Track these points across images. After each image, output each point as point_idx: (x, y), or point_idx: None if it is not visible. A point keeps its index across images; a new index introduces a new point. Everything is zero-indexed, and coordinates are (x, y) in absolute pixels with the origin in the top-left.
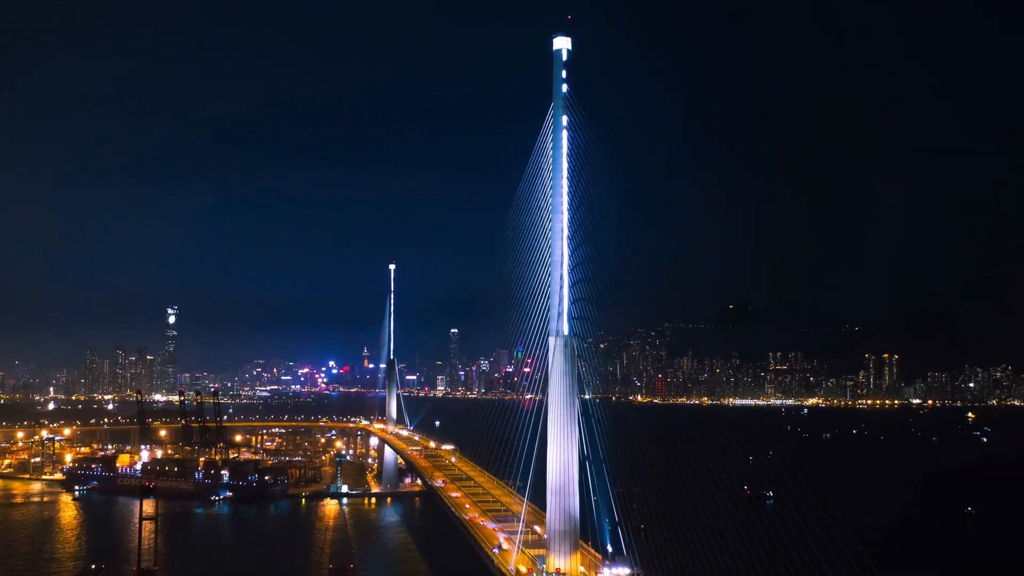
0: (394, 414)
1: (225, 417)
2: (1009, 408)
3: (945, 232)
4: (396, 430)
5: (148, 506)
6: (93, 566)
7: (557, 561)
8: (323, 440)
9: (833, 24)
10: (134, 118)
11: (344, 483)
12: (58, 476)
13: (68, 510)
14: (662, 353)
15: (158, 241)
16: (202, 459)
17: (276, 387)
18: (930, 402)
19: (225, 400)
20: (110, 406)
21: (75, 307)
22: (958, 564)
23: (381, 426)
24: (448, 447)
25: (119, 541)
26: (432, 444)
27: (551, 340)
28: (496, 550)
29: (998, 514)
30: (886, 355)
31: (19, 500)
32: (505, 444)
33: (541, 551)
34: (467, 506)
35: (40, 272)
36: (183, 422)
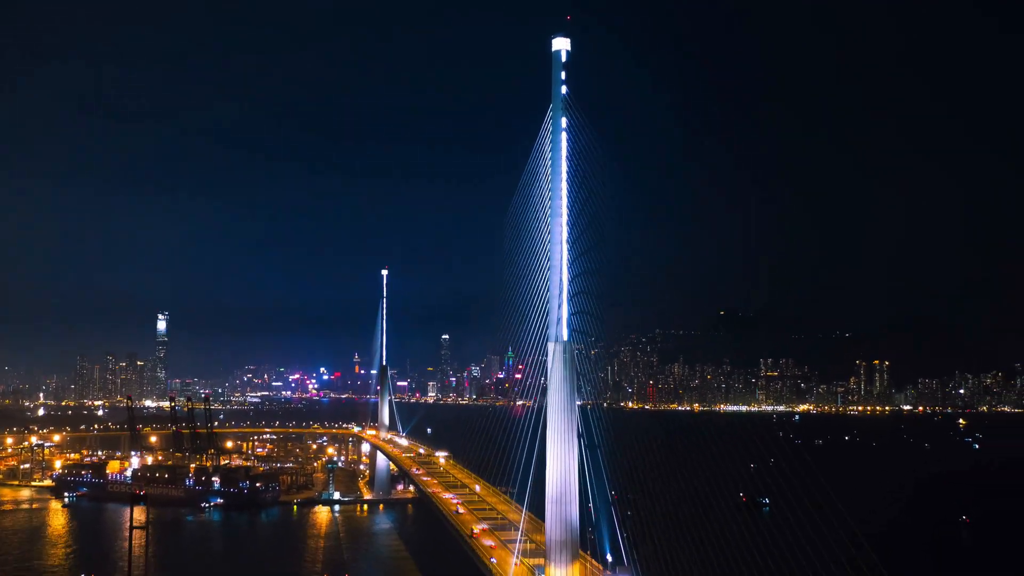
0: (387, 420)
1: (216, 423)
2: (999, 414)
3: (944, 233)
4: (389, 436)
5: (139, 514)
6: (83, 574)
7: (556, 571)
8: (315, 446)
9: (833, 24)
10: (130, 120)
11: (336, 490)
12: (47, 483)
13: (57, 517)
14: (653, 359)
15: (149, 246)
16: (193, 466)
17: (267, 393)
18: (920, 408)
19: (216, 406)
20: (100, 412)
21: (65, 312)
22: (953, 572)
23: (373, 432)
24: (442, 453)
25: (109, 549)
26: (422, 450)
27: (550, 346)
28: (493, 560)
29: (992, 521)
30: (877, 361)
31: (8, 507)
32: (500, 451)
33: (539, 560)
34: (459, 508)
35: (30, 277)
36: (174, 428)
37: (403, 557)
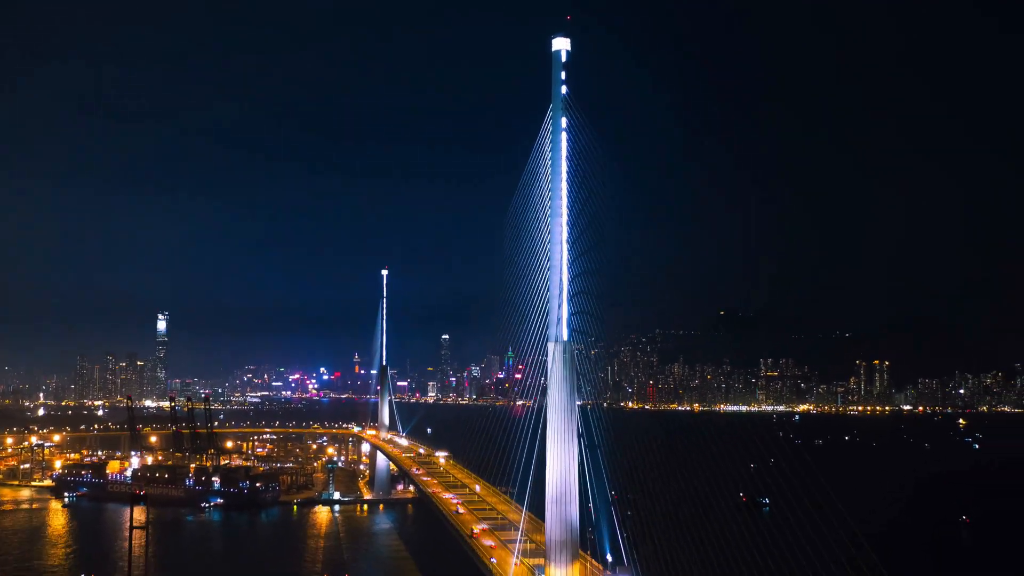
0: (387, 420)
1: (216, 423)
2: (999, 414)
3: (944, 233)
4: (389, 436)
5: (139, 514)
6: (83, 574)
7: (556, 571)
8: (315, 446)
9: (833, 24)
10: (130, 120)
11: (336, 490)
12: (47, 483)
13: (57, 517)
14: (653, 359)
15: (149, 246)
16: (193, 466)
17: (267, 393)
18: (920, 408)
19: (216, 406)
20: (100, 412)
21: (65, 312)
22: (953, 572)
23: (373, 432)
24: (442, 453)
25: (109, 549)
26: (422, 450)
27: (550, 346)
28: (493, 560)
29: (992, 521)
30: (877, 361)
31: (8, 507)
32: (500, 451)
33: (539, 560)
34: (459, 508)
35: (30, 277)
36: (174, 428)
37: (403, 557)
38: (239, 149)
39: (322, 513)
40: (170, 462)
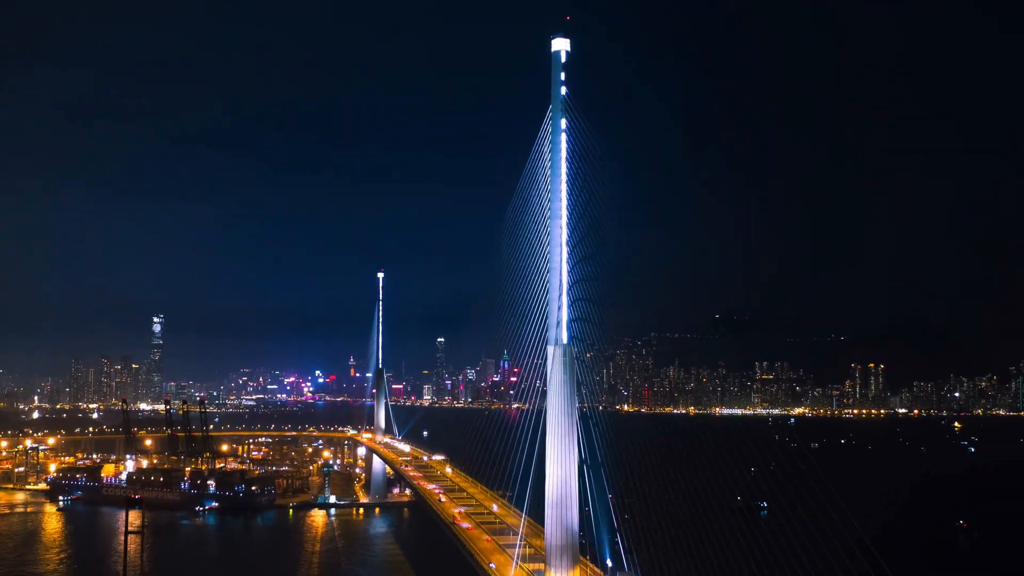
0: (383, 423)
1: (211, 426)
2: (994, 417)
3: (941, 235)
4: (385, 439)
5: (134, 517)
6: None
7: None
8: (310, 450)
9: (833, 24)
10: (129, 121)
11: (332, 493)
12: (42, 486)
13: (52, 521)
14: (648, 363)
15: (145, 248)
16: (188, 469)
17: (262, 396)
18: (916, 411)
19: (211, 409)
20: (95, 415)
21: (61, 315)
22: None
23: (369, 436)
24: (439, 457)
25: (104, 552)
26: (426, 458)
27: (550, 349)
28: (492, 565)
29: (988, 525)
30: (872, 364)
31: (2, 510)
32: (497, 454)
33: (539, 565)
34: (458, 512)
35: (25, 279)
36: (169, 431)
37: (399, 561)
38: (236, 150)
39: (318, 517)
40: (165, 465)
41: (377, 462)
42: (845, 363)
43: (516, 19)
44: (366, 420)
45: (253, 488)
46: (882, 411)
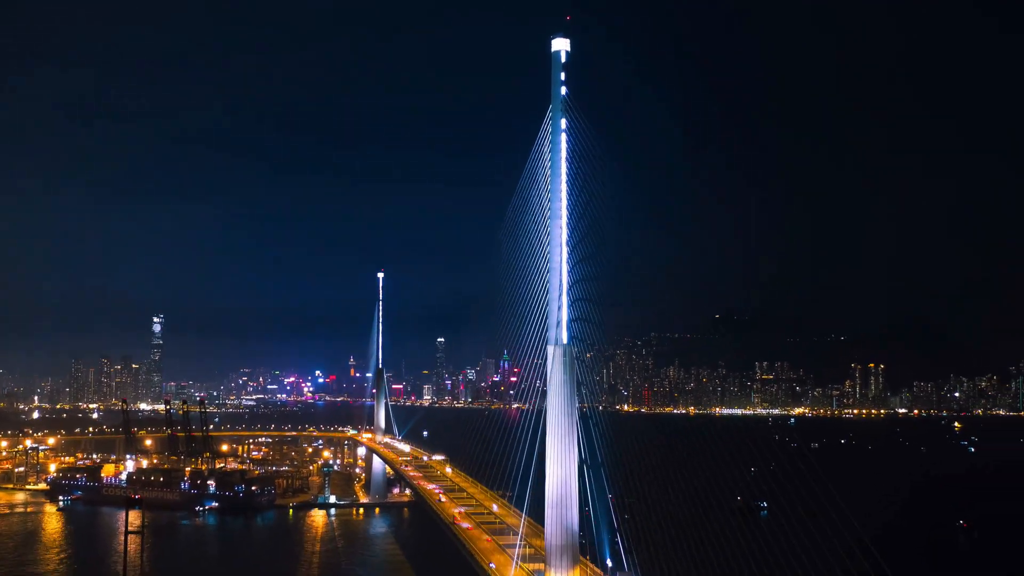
0: (383, 423)
1: (211, 426)
2: (994, 417)
3: (941, 235)
4: (385, 440)
5: (134, 517)
6: None
7: None
8: (310, 450)
9: (833, 24)
10: (129, 121)
11: (332, 493)
12: (42, 486)
13: (52, 521)
14: (648, 363)
15: (145, 248)
16: (188, 469)
17: (262, 396)
18: (916, 411)
19: (211, 409)
20: (95, 415)
21: (61, 315)
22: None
23: (369, 436)
24: (439, 457)
25: (104, 552)
26: (425, 458)
27: (550, 349)
28: (492, 565)
29: (989, 525)
30: (872, 364)
31: (2, 510)
32: (497, 454)
33: (539, 565)
34: (458, 512)
35: (26, 279)
36: (169, 431)
37: (399, 561)
38: (236, 150)
39: (318, 517)
40: (165, 465)
41: (377, 462)
42: (845, 363)
43: (516, 19)
44: (366, 420)
45: (253, 488)
46: (882, 411)
